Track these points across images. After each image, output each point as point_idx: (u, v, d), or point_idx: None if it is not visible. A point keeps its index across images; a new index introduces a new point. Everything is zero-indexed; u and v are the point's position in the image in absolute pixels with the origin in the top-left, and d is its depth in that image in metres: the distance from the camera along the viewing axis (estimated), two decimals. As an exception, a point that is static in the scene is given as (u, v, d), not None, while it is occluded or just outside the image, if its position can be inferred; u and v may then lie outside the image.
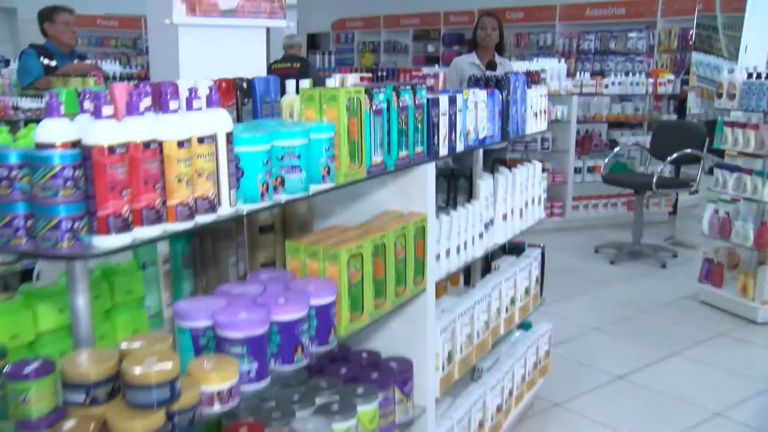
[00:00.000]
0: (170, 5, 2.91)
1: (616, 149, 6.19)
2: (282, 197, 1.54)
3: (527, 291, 3.00)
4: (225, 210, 1.39)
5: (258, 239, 2.12)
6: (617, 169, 6.60)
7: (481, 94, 2.39)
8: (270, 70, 7.10)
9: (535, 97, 2.86)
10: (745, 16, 5.67)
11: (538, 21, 11.12)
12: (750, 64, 5.48)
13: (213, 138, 1.34)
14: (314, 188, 1.63)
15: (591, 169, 6.59)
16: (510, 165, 3.07)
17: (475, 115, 2.34)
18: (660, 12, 9.65)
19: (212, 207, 1.34)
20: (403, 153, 1.96)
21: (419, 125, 2.02)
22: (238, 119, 2.04)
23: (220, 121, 1.37)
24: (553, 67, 6.34)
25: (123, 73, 8.15)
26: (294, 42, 6.93)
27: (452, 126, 2.19)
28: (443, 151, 2.16)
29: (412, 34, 13.52)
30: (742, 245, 4.23)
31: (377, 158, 1.85)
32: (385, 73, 7.27)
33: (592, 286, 5.08)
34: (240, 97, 2.08)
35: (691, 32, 9.34)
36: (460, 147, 2.25)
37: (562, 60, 6.51)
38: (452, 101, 2.18)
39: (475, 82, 2.60)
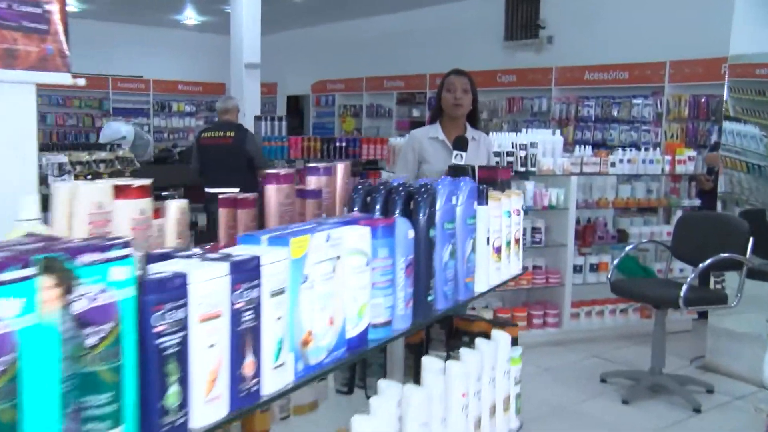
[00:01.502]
0: None
1: (629, 248, 4.83)
2: None
3: None
4: None
5: None
6: (628, 269, 5.25)
7: (354, 237, 1.05)
8: (198, 141, 5.87)
9: (497, 219, 1.53)
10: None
11: (533, 85, 9.98)
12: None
13: None
14: None
15: (594, 267, 5.24)
16: (457, 329, 1.73)
17: (332, 289, 1.00)
18: (668, 77, 8.49)
19: None
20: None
21: (104, 369, 0.68)
22: None
23: None
24: (546, 139, 5.07)
25: None
26: (229, 106, 5.70)
27: (240, 341, 0.84)
28: (207, 415, 0.80)
29: (396, 98, 12.43)
30: (824, 412, 2.85)
31: None
32: (344, 144, 6.03)
33: (599, 443, 3.66)
34: None
35: (703, 99, 8.19)
36: (273, 385, 0.90)
37: (557, 132, 5.26)
38: (249, 269, 0.83)
39: (365, 200, 1.27)
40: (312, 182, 1.75)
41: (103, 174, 3.31)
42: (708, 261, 3.98)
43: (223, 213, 1.46)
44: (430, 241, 1.23)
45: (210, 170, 5.53)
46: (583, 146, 5.50)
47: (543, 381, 4.47)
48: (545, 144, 5.08)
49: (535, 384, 4.21)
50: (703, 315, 5.25)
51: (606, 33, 9.20)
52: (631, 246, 4.96)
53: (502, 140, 4.93)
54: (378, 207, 1.23)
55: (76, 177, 3.47)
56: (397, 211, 1.20)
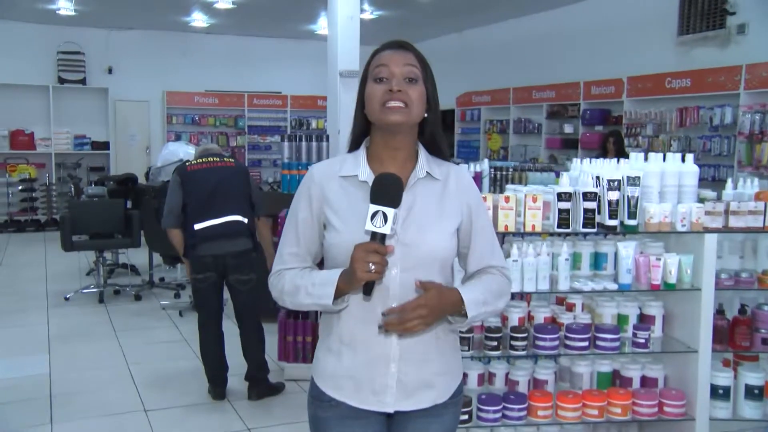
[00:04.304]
0: None
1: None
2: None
3: None
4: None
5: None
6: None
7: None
8: (183, 171, 4.38)
9: None
10: None
11: (714, 90, 7.50)
12: None
13: None
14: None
15: (756, 393, 3.05)
16: None
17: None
18: None
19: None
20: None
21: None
22: None
23: None
24: (666, 172, 3.01)
25: None
26: (211, 146, 4.48)
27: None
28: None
29: (546, 111, 10.38)
30: None
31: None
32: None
33: None
34: None
35: None
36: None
37: (689, 157, 3.12)
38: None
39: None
40: None
41: None
42: None
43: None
44: None
45: (204, 199, 4.11)
46: (745, 181, 3.31)
47: None
48: (664, 179, 3.02)
49: None
50: None
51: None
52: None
53: (572, 173, 2.96)
54: None
55: None
56: None
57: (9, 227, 11.29)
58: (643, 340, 2.95)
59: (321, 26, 12.11)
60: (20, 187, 11.51)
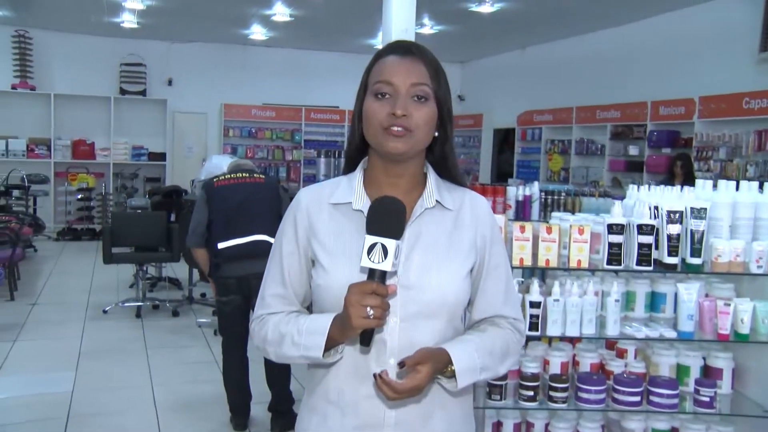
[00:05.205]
0: None
1: None
2: None
3: None
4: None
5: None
6: None
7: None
8: (209, 188, 4.18)
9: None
10: None
11: (797, 111, 6.90)
12: None
13: None
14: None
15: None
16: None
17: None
18: None
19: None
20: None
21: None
22: None
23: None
24: (739, 202, 2.59)
25: None
26: (243, 162, 4.23)
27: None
28: None
29: (609, 131, 9.86)
30: None
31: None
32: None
33: None
34: None
35: None
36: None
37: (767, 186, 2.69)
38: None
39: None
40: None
41: None
42: None
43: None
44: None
45: (229, 216, 3.89)
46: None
47: None
48: (736, 211, 2.60)
49: None
50: None
51: None
52: None
53: (627, 202, 2.57)
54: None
55: None
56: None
57: (66, 235, 11.44)
58: (707, 399, 2.53)
59: (380, 41, 11.91)
60: (79, 196, 11.68)
